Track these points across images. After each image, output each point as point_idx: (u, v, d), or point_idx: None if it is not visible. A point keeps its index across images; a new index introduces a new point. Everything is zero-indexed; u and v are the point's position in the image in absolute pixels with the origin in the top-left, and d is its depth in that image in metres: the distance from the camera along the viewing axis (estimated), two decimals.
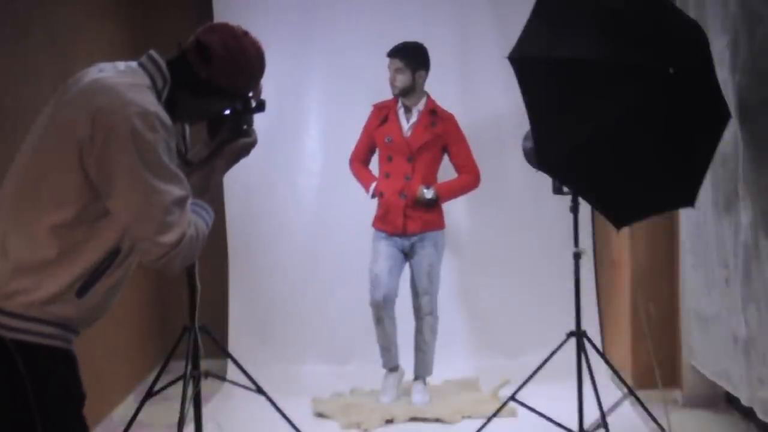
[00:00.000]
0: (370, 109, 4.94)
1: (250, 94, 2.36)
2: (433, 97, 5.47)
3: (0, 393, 2.15)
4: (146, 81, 2.18)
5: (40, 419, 2.13)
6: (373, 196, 4.84)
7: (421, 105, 4.81)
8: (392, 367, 4.89)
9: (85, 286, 2.14)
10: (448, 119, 4.85)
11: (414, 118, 4.80)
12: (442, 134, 4.80)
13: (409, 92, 4.77)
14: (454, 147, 4.85)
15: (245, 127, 2.38)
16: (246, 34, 2.28)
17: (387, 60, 4.77)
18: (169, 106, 2.19)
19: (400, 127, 4.79)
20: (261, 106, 2.39)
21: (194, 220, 2.19)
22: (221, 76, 2.23)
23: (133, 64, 2.25)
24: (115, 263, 2.18)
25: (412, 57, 4.74)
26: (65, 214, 2.10)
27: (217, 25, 2.31)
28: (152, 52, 2.26)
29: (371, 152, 4.97)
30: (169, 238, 2.11)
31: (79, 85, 2.19)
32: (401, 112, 4.82)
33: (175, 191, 2.11)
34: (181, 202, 2.13)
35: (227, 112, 2.36)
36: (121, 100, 2.08)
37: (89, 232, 2.13)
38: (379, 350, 4.90)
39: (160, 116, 2.10)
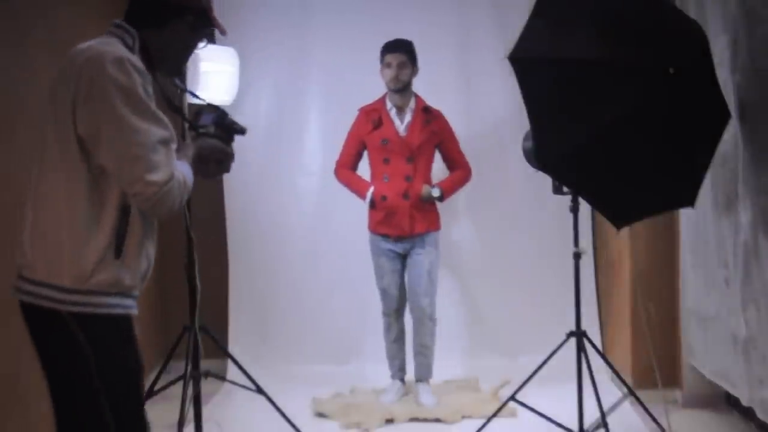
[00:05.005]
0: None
1: (214, 30, 2.58)
2: (433, 96, 5.48)
3: (63, 364, 2.34)
4: (116, 40, 2.37)
5: (102, 386, 2.32)
6: (371, 201, 4.76)
7: (412, 104, 4.80)
8: (401, 377, 4.93)
9: (117, 248, 2.31)
10: (440, 116, 4.87)
11: (408, 118, 4.78)
12: (437, 131, 4.81)
13: (406, 88, 4.76)
14: (448, 143, 4.87)
15: (225, 136, 2.60)
16: None
17: (384, 57, 4.75)
18: (146, 58, 2.41)
19: (396, 128, 4.77)
20: (242, 131, 2.65)
21: (179, 166, 2.36)
22: None
23: (104, 36, 2.44)
24: (130, 221, 2.33)
25: (412, 52, 4.75)
26: (91, 194, 2.29)
27: None
28: (115, 21, 2.46)
29: (359, 158, 4.90)
30: (159, 176, 2.25)
31: (65, 61, 2.39)
32: (393, 112, 4.80)
33: (158, 131, 2.28)
34: (165, 142, 2.29)
35: (212, 122, 2.60)
36: (97, 52, 2.30)
37: (99, 198, 2.30)
38: (387, 360, 4.93)
39: (131, 60, 2.28)
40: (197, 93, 2.74)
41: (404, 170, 4.73)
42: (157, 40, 2.45)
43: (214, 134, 2.59)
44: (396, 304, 4.86)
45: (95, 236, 2.29)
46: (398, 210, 4.73)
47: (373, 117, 4.80)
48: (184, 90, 2.85)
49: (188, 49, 2.55)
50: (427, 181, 4.80)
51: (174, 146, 2.34)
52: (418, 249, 4.79)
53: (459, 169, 4.89)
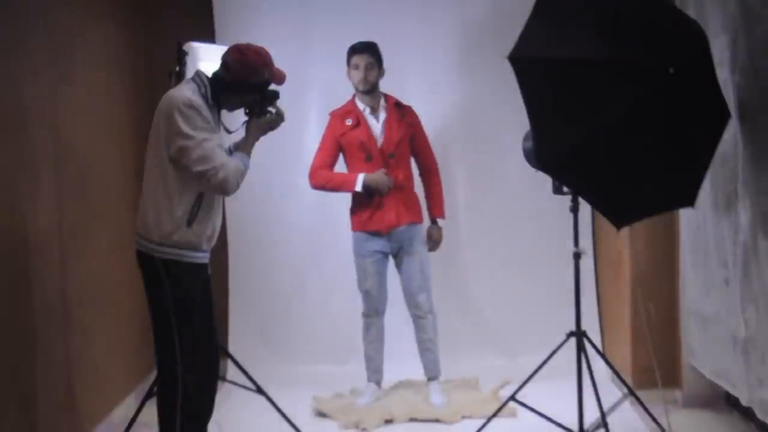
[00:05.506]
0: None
1: (271, 85, 3.65)
2: (433, 96, 5.48)
3: (153, 296, 3.51)
4: (193, 86, 3.51)
5: (173, 310, 3.45)
6: (364, 187, 4.70)
7: (383, 102, 4.84)
8: (376, 381, 4.93)
9: (189, 220, 3.44)
10: (411, 110, 4.92)
11: (383, 116, 4.81)
12: (411, 123, 4.87)
13: (375, 89, 4.79)
14: (419, 137, 4.91)
15: (268, 108, 3.67)
16: (249, 46, 3.60)
17: (351, 59, 4.77)
18: (217, 101, 3.55)
19: (374, 128, 4.80)
20: (274, 94, 3.69)
21: (234, 159, 3.53)
22: (238, 75, 3.54)
23: (189, 78, 3.64)
24: (202, 203, 3.47)
25: (378, 53, 4.79)
26: (176, 185, 3.42)
27: (231, 47, 3.62)
28: (199, 70, 3.63)
29: (335, 161, 4.87)
30: (217, 161, 3.39)
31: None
32: (368, 112, 4.82)
33: (212, 139, 3.42)
34: (217, 146, 3.43)
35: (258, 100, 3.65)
36: (169, 98, 3.46)
37: (185, 192, 3.43)
38: (364, 362, 4.93)
39: (193, 98, 3.42)
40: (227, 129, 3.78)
41: (387, 166, 4.75)
42: (228, 98, 3.59)
43: (259, 112, 3.65)
44: (378, 305, 4.87)
45: (176, 212, 3.42)
46: (385, 202, 4.74)
47: (348, 119, 4.81)
48: (228, 132, 3.80)
49: (244, 103, 3.65)
50: (410, 175, 4.86)
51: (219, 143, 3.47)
52: (406, 249, 4.81)
53: (428, 170, 4.94)
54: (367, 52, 4.75)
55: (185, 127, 3.35)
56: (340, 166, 4.91)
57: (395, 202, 4.76)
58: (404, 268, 4.84)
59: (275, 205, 5.57)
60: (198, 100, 3.42)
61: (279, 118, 3.69)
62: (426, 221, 4.94)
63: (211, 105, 3.49)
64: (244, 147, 3.64)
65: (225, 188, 3.45)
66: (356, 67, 4.76)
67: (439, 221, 4.93)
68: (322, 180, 4.82)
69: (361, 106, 4.83)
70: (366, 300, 4.88)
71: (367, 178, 4.71)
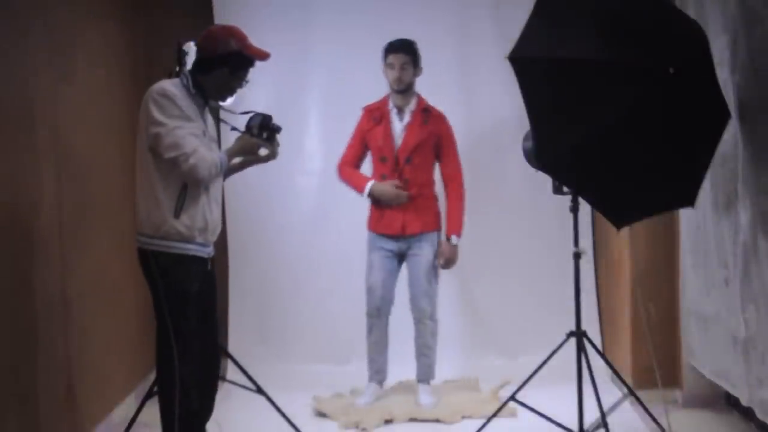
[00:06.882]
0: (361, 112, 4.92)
1: (254, 62, 3.63)
2: (433, 96, 5.48)
3: (149, 285, 3.53)
4: (175, 80, 3.58)
5: (165, 302, 3.49)
6: (369, 195, 4.76)
7: (413, 105, 4.80)
8: (378, 381, 4.91)
9: (176, 211, 3.46)
10: (440, 117, 4.85)
11: (407, 119, 4.78)
12: (434, 131, 4.79)
13: (408, 89, 4.76)
14: (443, 147, 4.81)
15: (264, 134, 3.71)
16: (215, 26, 3.81)
17: (386, 57, 4.75)
18: (201, 90, 3.57)
19: (394, 128, 4.78)
20: (276, 128, 3.75)
21: (211, 152, 3.50)
22: (206, 51, 3.60)
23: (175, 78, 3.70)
24: (188, 194, 3.48)
25: (415, 53, 4.76)
26: (157, 175, 3.47)
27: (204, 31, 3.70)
28: (184, 69, 3.76)
29: (363, 157, 4.89)
30: (188, 148, 3.40)
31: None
32: (394, 113, 4.80)
33: (187, 126, 3.44)
34: (192, 135, 3.44)
35: (253, 116, 3.74)
36: (150, 89, 3.50)
37: (167, 183, 3.46)
38: (367, 363, 4.91)
39: (168, 88, 3.47)
40: (231, 109, 3.86)
41: (401, 170, 4.74)
42: (204, 81, 3.59)
43: (256, 134, 3.69)
44: (379, 303, 4.81)
45: (162, 203, 3.45)
46: (392, 209, 4.73)
47: (375, 115, 4.80)
48: (224, 122, 3.93)
49: (227, 85, 3.63)
50: (428, 181, 4.79)
51: (198, 134, 3.48)
52: (414, 250, 4.79)
53: (455, 188, 4.80)
54: (402, 51, 4.72)
55: (158, 115, 3.41)
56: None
57: (404, 209, 4.73)
58: (410, 269, 4.83)
59: (275, 205, 5.57)
60: (174, 90, 3.48)
61: (269, 144, 3.73)
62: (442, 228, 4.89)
63: (194, 94, 3.54)
64: (225, 150, 3.69)
65: (194, 174, 3.43)
66: (391, 66, 4.73)
67: (453, 240, 4.75)
68: (344, 177, 4.89)
69: (390, 104, 4.81)
70: (368, 295, 4.85)
71: (375, 188, 4.71)
